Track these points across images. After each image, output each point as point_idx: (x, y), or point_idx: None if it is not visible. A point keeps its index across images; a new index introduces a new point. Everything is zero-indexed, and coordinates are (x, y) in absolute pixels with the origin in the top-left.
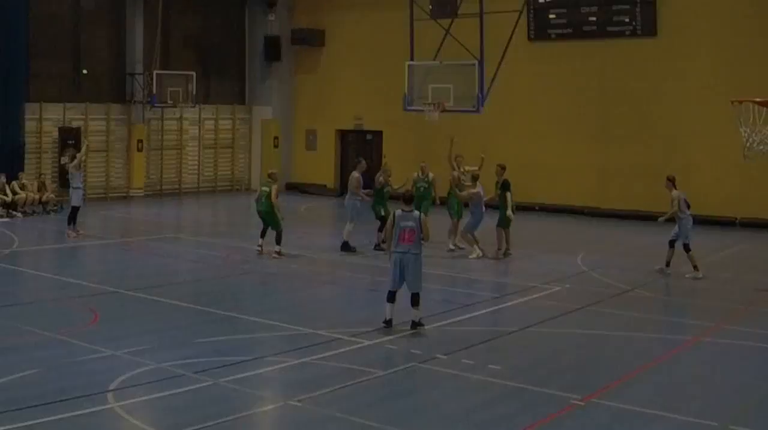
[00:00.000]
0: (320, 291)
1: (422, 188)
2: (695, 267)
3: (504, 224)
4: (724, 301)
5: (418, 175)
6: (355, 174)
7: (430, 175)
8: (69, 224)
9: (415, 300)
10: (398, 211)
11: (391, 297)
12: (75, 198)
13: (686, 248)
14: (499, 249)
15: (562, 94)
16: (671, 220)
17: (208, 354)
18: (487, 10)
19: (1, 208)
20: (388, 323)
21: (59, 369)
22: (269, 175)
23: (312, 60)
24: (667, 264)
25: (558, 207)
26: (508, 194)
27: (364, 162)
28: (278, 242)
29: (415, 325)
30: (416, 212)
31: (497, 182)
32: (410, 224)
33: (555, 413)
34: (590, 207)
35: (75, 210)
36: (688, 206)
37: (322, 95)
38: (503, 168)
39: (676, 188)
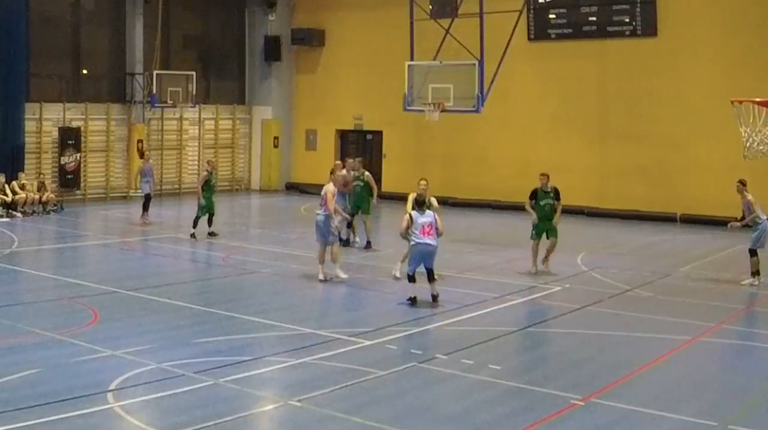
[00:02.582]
0: (320, 291)
1: (358, 188)
2: (755, 273)
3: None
4: (724, 301)
5: (353, 174)
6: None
7: (366, 173)
8: (143, 211)
9: (431, 277)
10: (414, 212)
11: (412, 279)
12: (144, 187)
13: (753, 253)
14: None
15: (562, 94)
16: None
17: (208, 354)
18: (487, 10)
19: (1, 209)
20: (413, 300)
21: (59, 369)
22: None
23: (312, 60)
24: (757, 273)
25: None
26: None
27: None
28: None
29: (435, 298)
30: (429, 212)
31: (546, 191)
32: (428, 220)
33: (555, 413)
34: (590, 207)
35: (145, 198)
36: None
37: (322, 95)
38: (548, 176)
39: (748, 191)
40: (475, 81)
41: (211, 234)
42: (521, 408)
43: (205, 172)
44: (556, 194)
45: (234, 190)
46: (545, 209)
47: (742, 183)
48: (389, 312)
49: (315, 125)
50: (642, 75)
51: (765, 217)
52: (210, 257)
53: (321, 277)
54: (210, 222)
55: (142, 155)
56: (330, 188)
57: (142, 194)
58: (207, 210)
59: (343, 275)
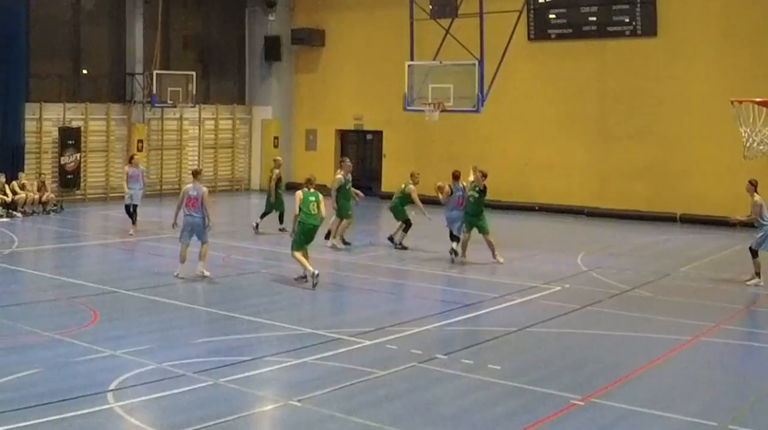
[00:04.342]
0: (320, 291)
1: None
2: (758, 274)
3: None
4: (724, 301)
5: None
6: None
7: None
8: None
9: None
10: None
11: (453, 238)
12: (128, 195)
13: (754, 253)
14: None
15: (562, 94)
16: (743, 225)
17: (208, 354)
18: (487, 10)
19: (1, 209)
20: (455, 252)
21: (59, 369)
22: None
23: (312, 60)
24: (758, 274)
25: (558, 207)
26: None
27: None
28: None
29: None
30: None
31: (479, 188)
32: (459, 193)
33: (555, 413)
34: (590, 207)
35: (126, 208)
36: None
37: (322, 95)
38: (485, 175)
39: (757, 193)
40: (475, 81)
41: (282, 230)
42: (521, 408)
43: (278, 171)
44: (483, 192)
45: (234, 190)
46: (470, 202)
47: (752, 184)
48: (389, 312)
49: (315, 125)
50: (642, 75)
51: None
52: (210, 257)
53: (179, 273)
54: (281, 219)
55: (131, 160)
56: (206, 191)
57: (125, 203)
58: (279, 208)
59: (207, 273)
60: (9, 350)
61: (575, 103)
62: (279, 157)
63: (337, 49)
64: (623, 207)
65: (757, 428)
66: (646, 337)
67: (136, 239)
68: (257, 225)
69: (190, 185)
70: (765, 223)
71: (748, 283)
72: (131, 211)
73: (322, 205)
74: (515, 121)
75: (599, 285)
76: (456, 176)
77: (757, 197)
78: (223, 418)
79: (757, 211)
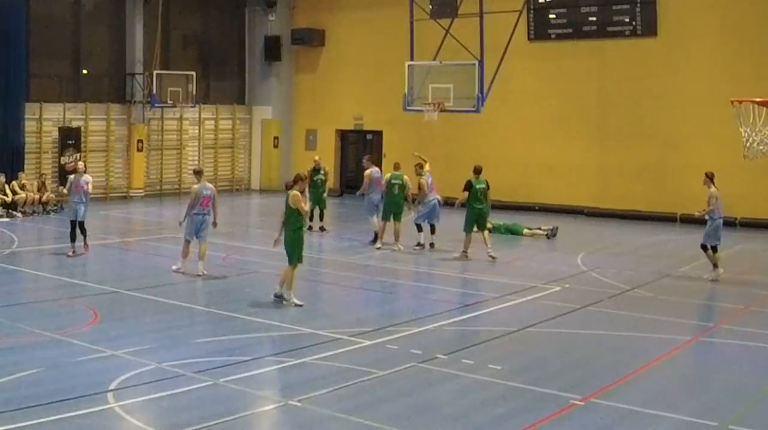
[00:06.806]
0: (320, 291)
1: (319, 181)
2: (715, 265)
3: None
4: (724, 301)
5: (314, 168)
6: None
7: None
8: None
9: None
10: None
11: (420, 228)
12: (72, 209)
13: (712, 248)
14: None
15: (562, 94)
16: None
17: (208, 354)
18: (487, 10)
19: (1, 209)
20: (422, 245)
21: (59, 369)
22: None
23: (312, 60)
24: (715, 266)
25: (558, 207)
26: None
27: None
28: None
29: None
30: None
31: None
32: (429, 179)
33: (555, 413)
34: (590, 207)
35: (71, 224)
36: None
37: (322, 95)
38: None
39: (714, 186)
40: (475, 81)
41: (321, 229)
42: (521, 408)
43: (309, 170)
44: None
45: (234, 190)
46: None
47: (708, 176)
48: (389, 312)
49: (315, 125)
50: (642, 75)
51: (720, 213)
52: (210, 257)
53: (181, 268)
54: (321, 217)
55: (74, 170)
56: (215, 190)
57: (69, 218)
58: (313, 206)
59: (205, 271)
60: (9, 350)
61: (575, 104)
62: (317, 157)
63: (337, 49)
64: (623, 207)
65: (757, 428)
66: (646, 337)
67: (137, 238)
68: (310, 226)
69: (200, 185)
70: (715, 217)
71: (711, 277)
72: (80, 228)
73: (300, 204)
74: (515, 121)
75: (599, 285)
76: (420, 166)
77: (713, 189)
78: (223, 418)
79: (713, 203)
